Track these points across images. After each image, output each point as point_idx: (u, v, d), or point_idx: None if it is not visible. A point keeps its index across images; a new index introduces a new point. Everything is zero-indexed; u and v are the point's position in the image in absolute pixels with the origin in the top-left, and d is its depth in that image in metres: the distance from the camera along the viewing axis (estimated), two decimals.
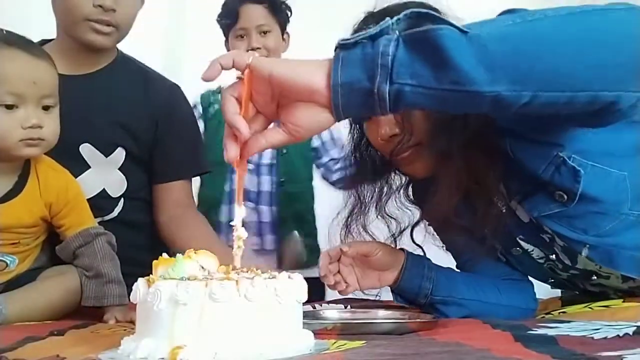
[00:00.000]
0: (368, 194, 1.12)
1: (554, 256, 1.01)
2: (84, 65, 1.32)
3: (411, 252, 1.08)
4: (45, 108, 1.05)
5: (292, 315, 0.70)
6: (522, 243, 1.03)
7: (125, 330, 0.95)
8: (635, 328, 0.76)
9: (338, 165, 2.02)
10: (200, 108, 2.10)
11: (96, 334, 0.92)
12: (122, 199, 1.34)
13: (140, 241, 1.38)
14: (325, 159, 2.05)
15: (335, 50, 0.71)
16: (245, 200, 1.90)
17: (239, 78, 0.74)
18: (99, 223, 1.20)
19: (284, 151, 1.96)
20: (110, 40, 1.28)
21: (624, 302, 0.99)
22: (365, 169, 1.11)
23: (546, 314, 1.04)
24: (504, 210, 0.98)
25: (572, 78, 0.71)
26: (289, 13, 2.04)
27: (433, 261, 1.08)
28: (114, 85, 1.34)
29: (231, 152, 0.73)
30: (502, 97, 0.68)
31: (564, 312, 1.00)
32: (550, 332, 0.78)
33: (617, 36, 0.72)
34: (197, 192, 1.98)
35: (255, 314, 0.66)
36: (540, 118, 0.79)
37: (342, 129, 1.98)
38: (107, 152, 1.31)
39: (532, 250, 1.03)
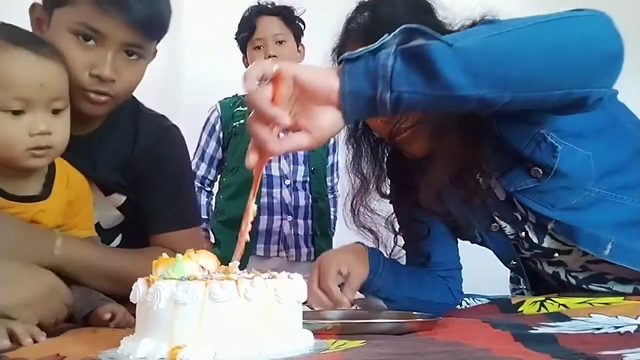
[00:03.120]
0: (369, 176, 1.22)
1: (523, 234, 1.10)
2: (80, 127, 1.12)
3: (370, 248, 1.18)
4: (55, 112, 0.97)
5: (292, 315, 0.70)
6: (497, 219, 1.13)
7: (125, 330, 0.95)
8: (636, 327, 0.76)
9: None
10: (219, 115, 2.19)
11: (96, 334, 0.92)
12: (120, 234, 1.26)
13: None
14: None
15: (339, 63, 0.80)
16: (286, 213, 2.08)
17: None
18: None
19: (313, 169, 2.11)
20: (106, 109, 1.11)
21: (625, 299, 0.99)
22: (362, 153, 1.21)
23: (546, 298, 1.05)
24: (484, 187, 1.07)
25: (544, 80, 0.82)
26: (302, 26, 2.16)
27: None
28: (110, 139, 1.20)
29: (252, 160, 0.79)
30: (485, 99, 0.80)
31: (564, 306, 1.00)
32: (551, 331, 0.78)
33: (581, 40, 0.84)
34: (223, 204, 2.15)
35: (255, 314, 0.66)
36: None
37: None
38: (106, 192, 1.20)
39: (505, 227, 1.13)
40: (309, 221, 2.11)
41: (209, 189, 2.21)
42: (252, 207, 0.78)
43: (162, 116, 1.29)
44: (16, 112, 0.93)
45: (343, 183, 1.27)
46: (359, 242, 1.19)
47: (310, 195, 2.11)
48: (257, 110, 0.76)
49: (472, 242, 1.23)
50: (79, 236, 1.08)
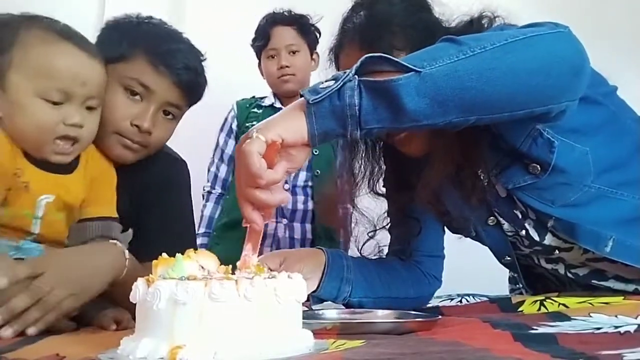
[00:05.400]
0: (361, 172, 1.22)
1: (523, 232, 1.10)
2: None
3: (331, 252, 1.16)
4: (89, 108, 1.03)
5: (291, 315, 0.70)
6: (497, 215, 1.12)
7: (125, 330, 0.95)
8: (636, 326, 0.76)
9: None
10: (235, 114, 2.20)
11: (96, 334, 0.92)
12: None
13: None
14: None
15: (301, 96, 0.81)
16: (280, 216, 2.05)
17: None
18: None
19: (317, 172, 2.08)
20: (136, 157, 1.19)
21: (624, 299, 0.99)
22: (357, 152, 1.21)
23: (546, 297, 1.05)
24: (486, 183, 1.07)
25: (510, 103, 0.85)
26: (317, 35, 2.16)
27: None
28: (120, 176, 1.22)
29: (257, 218, 0.79)
30: (452, 123, 0.83)
31: (564, 306, 1.00)
32: (551, 331, 0.78)
33: (545, 61, 0.86)
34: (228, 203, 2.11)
35: (255, 313, 0.66)
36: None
37: None
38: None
39: (504, 223, 1.13)
40: (307, 225, 2.09)
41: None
42: (252, 261, 0.77)
43: (169, 149, 1.34)
44: (55, 103, 0.98)
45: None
46: (319, 248, 1.19)
47: (311, 200, 2.09)
48: (263, 181, 0.78)
49: (466, 237, 1.22)
50: (99, 212, 1.12)
